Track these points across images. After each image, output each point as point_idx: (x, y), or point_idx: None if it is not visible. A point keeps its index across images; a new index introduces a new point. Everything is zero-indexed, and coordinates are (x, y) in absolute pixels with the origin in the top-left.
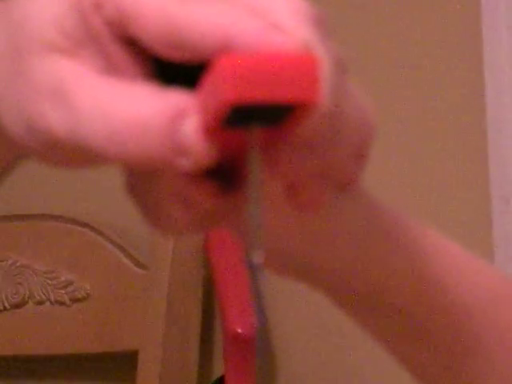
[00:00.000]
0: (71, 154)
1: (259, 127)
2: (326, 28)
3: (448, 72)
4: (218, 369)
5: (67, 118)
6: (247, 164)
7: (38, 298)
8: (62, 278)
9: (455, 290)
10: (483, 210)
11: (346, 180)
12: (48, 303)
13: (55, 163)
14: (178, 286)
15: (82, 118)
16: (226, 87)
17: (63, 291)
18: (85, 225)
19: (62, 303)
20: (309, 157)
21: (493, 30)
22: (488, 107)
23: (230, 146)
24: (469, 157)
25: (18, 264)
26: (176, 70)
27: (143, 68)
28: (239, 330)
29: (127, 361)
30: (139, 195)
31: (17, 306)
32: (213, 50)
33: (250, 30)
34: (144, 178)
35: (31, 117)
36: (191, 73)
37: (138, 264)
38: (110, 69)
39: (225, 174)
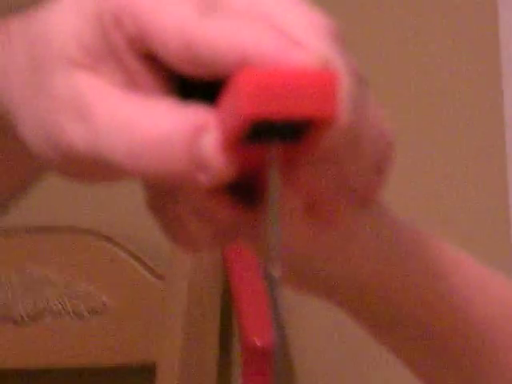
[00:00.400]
0: (91, 168)
1: (278, 143)
2: (345, 42)
3: (465, 77)
4: (236, 381)
5: (87, 132)
6: (266, 179)
7: (56, 309)
8: (80, 290)
9: (475, 306)
10: (501, 216)
11: (366, 196)
12: (65, 315)
13: (75, 177)
14: (196, 298)
15: (102, 132)
16: (245, 103)
17: (81, 303)
18: (102, 236)
19: (79, 315)
20: (328, 172)
21: (510, 28)
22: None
23: (249, 161)
24: (487, 161)
25: (35, 275)
26: (196, 85)
27: (163, 83)
28: (257, 343)
29: (145, 373)
30: (159, 210)
31: (34, 317)
32: (232, 66)
33: (268, 45)
34: (164, 192)
35: (51, 131)
36: (211, 88)
37: (155, 275)
38: (130, 84)
39: (244, 189)
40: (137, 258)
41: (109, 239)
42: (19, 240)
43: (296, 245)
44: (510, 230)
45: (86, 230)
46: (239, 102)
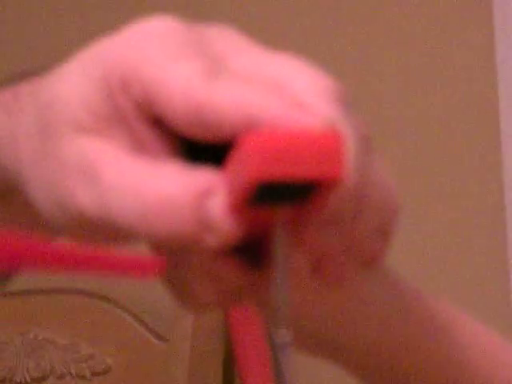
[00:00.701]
0: (101, 231)
1: (285, 204)
2: (350, 104)
3: (461, 84)
4: None
5: (96, 196)
6: (273, 240)
7: (59, 371)
8: (83, 352)
9: (478, 370)
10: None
11: (370, 257)
12: (69, 377)
13: (86, 240)
14: (198, 359)
15: (111, 196)
16: (251, 165)
17: (84, 365)
18: (104, 298)
19: (82, 377)
20: (333, 233)
21: (505, 32)
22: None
23: (256, 222)
24: (483, 163)
25: (39, 338)
26: (203, 148)
27: (170, 146)
28: None
29: None
30: (166, 271)
31: (38, 380)
32: (238, 130)
33: (274, 108)
34: (169, 254)
35: (61, 196)
36: (218, 151)
37: (158, 337)
38: (138, 147)
39: (251, 250)
40: (139, 320)
41: (112, 301)
42: (22, 302)
43: (301, 305)
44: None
45: (88, 292)
46: (246, 165)
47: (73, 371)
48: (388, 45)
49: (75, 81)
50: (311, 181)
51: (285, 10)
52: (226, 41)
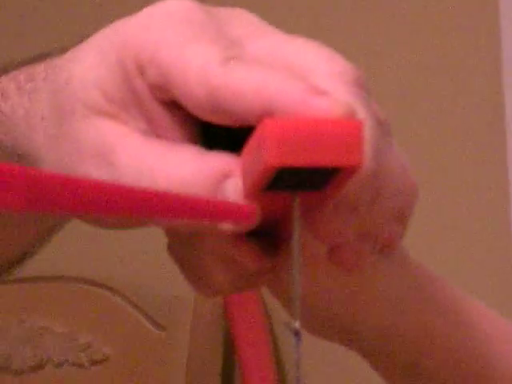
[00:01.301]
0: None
1: (302, 190)
2: (368, 89)
3: (466, 88)
4: None
5: (111, 179)
6: (289, 226)
7: (57, 360)
8: (81, 340)
9: (494, 357)
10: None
11: (387, 242)
12: (67, 366)
13: (100, 224)
14: (197, 348)
15: (126, 178)
16: (269, 151)
17: (82, 353)
18: (103, 286)
19: (80, 366)
20: (350, 219)
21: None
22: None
23: (272, 208)
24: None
25: (36, 326)
26: (219, 132)
27: (186, 130)
28: None
29: None
30: (181, 256)
31: (35, 368)
32: (256, 115)
33: (292, 94)
34: (186, 239)
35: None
36: (234, 135)
37: (157, 326)
38: (154, 131)
39: (268, 236)
40: (138, 309)
41: (110, 289)
42: (20, 290)
43: (317, 290)
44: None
45: (87, 280)
46: (264, 150)
47: (70, 360)
48: (392, 42)
49: (91, 63)
50: (330, 167)
51: (289, 7)
52: (244, 24)
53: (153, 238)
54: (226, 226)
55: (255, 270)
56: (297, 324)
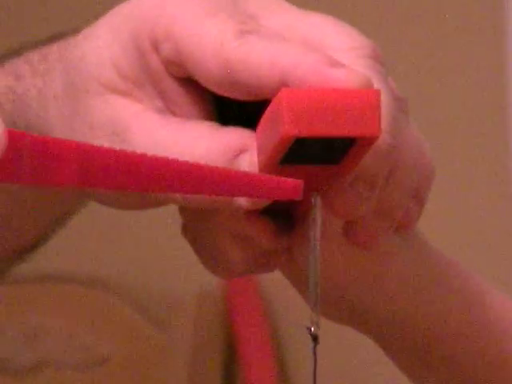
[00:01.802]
0: (132, 193)
1: (318, 165)
2: (385, 63)
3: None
4: None
5: None
6: (305, 205)
7: (56, 361)
8: (81, 342)
9: (510, 342)
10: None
11: (404, 221)
12: (66, 367)
13: (115, 204)
14: (198, 349)
15: None
16: (285, 121)
17: (82, 355)
18: (103, 286)
19: (80, 367)
20: (366, 194)
21: None
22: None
23: None
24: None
25: (36, 327)
26: (234, 107)
27: (201, 107)
28: None
29: None
30: (196, 237)
31: (34, 369)
32: (271, 88)
33: (307, 65)
34: (200, 218)
35: None
36: (250, 109)
37: (158, 326)
38: (168, 108)
39: (284, 215)
40: (139, 310)
41: (110, 290)
42: (19, 290)
43: (331, 271)
44: None
45: (86, 281)
46: (280, 121)
47: (70, 361)
48: (398, 38)
49: (105, 40)
50: (346, 138)
51: None
52: (260, 0)
53: (153, 238)
54: (241, 202)
55: (270, 249)
56: (313, 327)
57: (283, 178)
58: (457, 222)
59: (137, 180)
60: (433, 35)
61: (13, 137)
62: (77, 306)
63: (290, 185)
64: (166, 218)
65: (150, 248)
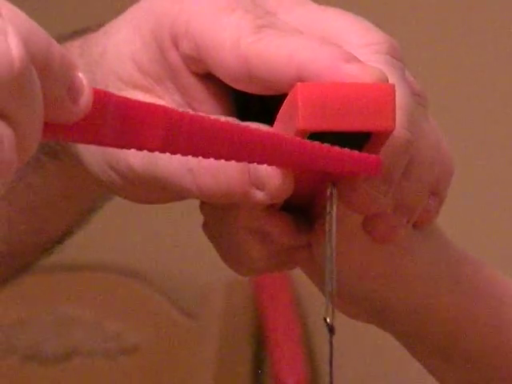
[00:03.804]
0: (150, 188)
1: None
2: (402, 58)
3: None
4: None
5: (144, 152)
6: (323, 200)
7: (86, 349)
8: (110, 330)
9: None
10: None
11: (422, 217)
12: (96, 355)
13: (136, 199)
14: (227, 338)
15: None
16: (301, 115)
17: (111, 343)
18: (133, 275)
19: (109, 355)
20: (384, 188)
21: None
22: None
23: (306, 179)
24: None
25: (65, 315)
26: (255, 105)
27: (221, 102)
28: (290, 383)
29: None
30: (216, 234)
31: (64, 357)
32: (288, 83)
33: (323, 60)
34: (220, 215)
35: (109, 152)
36: (268, 104)
37: (187, 315)
38: (188, 104)
39: (303, 213)
40: (168, 298)
41: (141, 278)
42: (50, 278)
43: (351, 267)
44: None
45: (116, 269)
46: (296, 114)
47: (99, 349)
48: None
49: (125, 37)
50: (362, 132)
51: None
52: None
53: (183, 226)
54: (260, 198)
55: (290, 245)
56: (329, 319)
57: (363, 153)
58: (477, 219)
59: (220, 148)
60: (458, 30)
61: (98, 96)
62: (107, 294)
63: (370, 160)
64: (196, 209)
65: (180, 237)
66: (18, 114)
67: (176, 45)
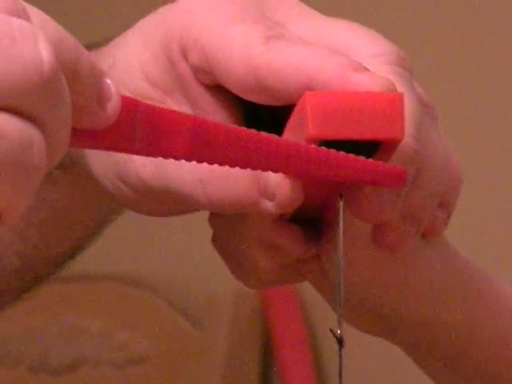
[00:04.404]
0: (161, 199)
1: None
2: (411, 68)
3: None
4: None
5: (155, 164)
6: (332, 211)
7: (94, 359)
8: (118, 340)
9: None
10: None
11: (430, 228)
12: (103, 365)
13: (147, 211)
14: (235, 347)
15: (169, 162)
16: (310, 123)
17: (119, 353)
18: (140, 285)
19: (117, 365)
20: (391, 197)
21: None
22: None
23: (314, 189)
24: None
25: (73, 325)
26: (262, 112)
27: (230, 113)
28: None
29: None
30: (226, 246)
31: (72, 367)
32: (296, 93)
33: (332, 70)
34: (229, 227)
35: (119, 164)
36: (277, 114)
37: (195, 324)
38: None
39: (309, 222)
40: (176, 308)
41: (147, 288)
42: (57, 288)
43: (359, 278)
44: None
45: (125, 279)
46: (305, 123)
47: (107, 359)
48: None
49: (135, 48)
50: (369, 141)
51: None
52: (285, 7)
53: (191, 237)
54: (269, 208)
55: (299, 257)
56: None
57: (389, 164)
58: (485, 230)
59: (247, 157)
60: (466, 39)
61: (126, 103)
62: (114, 304)
63: (395, 171)
64: (204, 220)
65: (188, 247)
66: (46, 118)
67: (185, 56)
